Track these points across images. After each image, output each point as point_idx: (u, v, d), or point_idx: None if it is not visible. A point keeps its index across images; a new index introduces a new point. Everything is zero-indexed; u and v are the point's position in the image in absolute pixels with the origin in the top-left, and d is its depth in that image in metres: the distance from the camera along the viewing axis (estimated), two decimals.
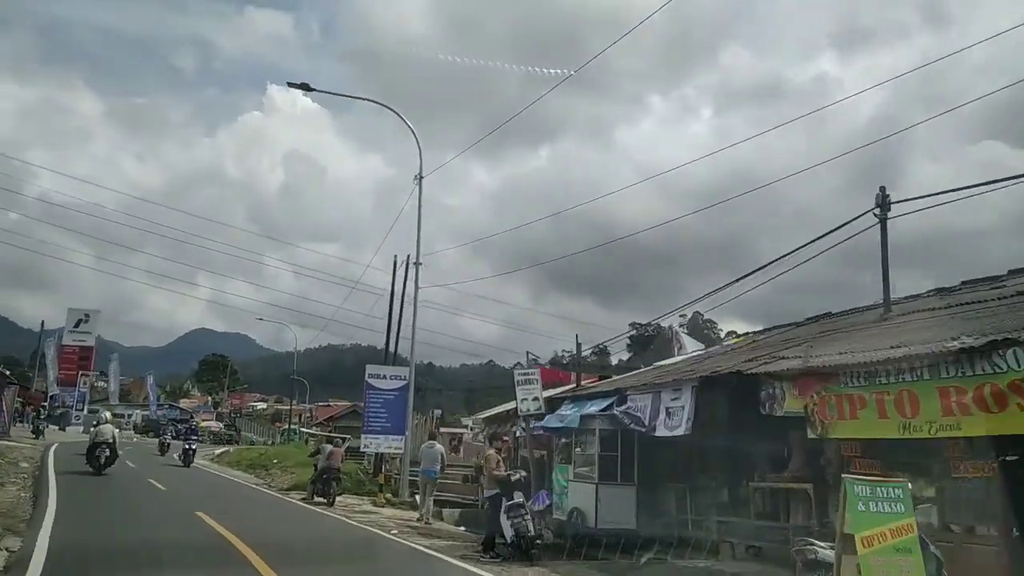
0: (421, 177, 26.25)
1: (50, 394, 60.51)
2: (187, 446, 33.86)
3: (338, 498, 23.18)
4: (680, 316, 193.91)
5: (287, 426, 79.11)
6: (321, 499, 23.03)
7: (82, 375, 61.54)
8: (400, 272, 30.52)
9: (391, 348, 30.94)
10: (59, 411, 59.18)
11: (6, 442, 36.02)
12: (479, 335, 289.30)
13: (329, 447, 25.07)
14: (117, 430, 27.79)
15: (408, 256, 27.32)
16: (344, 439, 31.48)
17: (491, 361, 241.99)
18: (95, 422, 29.07)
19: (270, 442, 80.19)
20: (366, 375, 26.29)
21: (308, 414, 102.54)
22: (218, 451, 50.57)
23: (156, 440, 58.43)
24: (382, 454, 27.76)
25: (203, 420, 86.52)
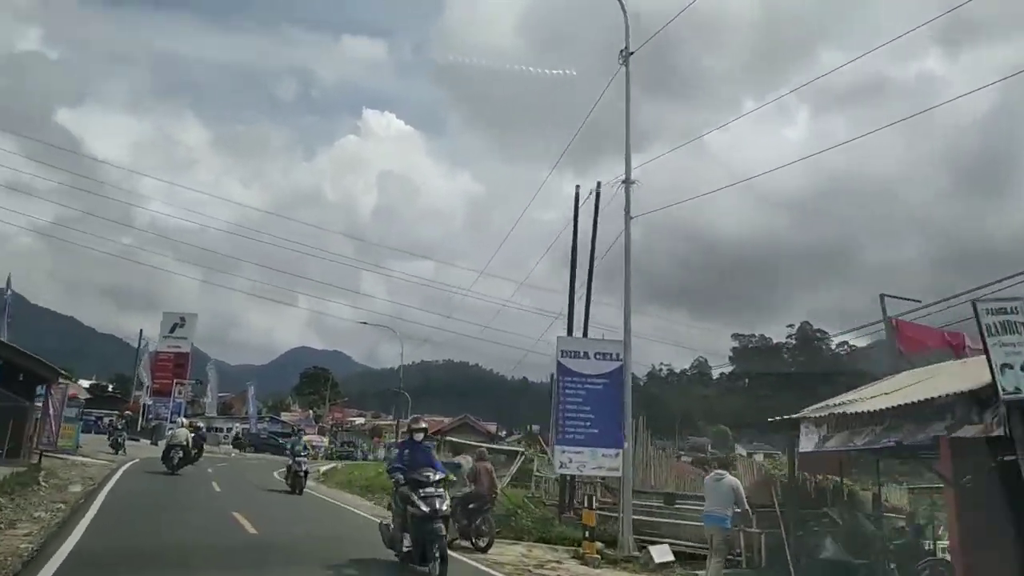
0: (628, 53, 16.96)
1: (142, 403, 53.70)
2: (298, 468, 24.47)
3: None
4: (787, 327, 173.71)
5: (392, 440, 71.21)
6: (465, 542, 14.29)
7: (177, 383, 54.61)
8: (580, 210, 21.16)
9: (577, 315, 20.96)
10: (152, 423, 52.39)
11: (74, 458, 28.42)
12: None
13: (469, 462, 16.03)
14: (192, 434, 28.78)
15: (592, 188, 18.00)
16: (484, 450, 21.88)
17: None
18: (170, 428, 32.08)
19: (372, 457, 72.37)
20: (558, 354, 16.74)
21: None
22: (325, 468, 42.13)
23: (256, 456, 51.07)
24: (571, 478, 18.40)
25: (306, 434, 79.35)
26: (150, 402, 53.47)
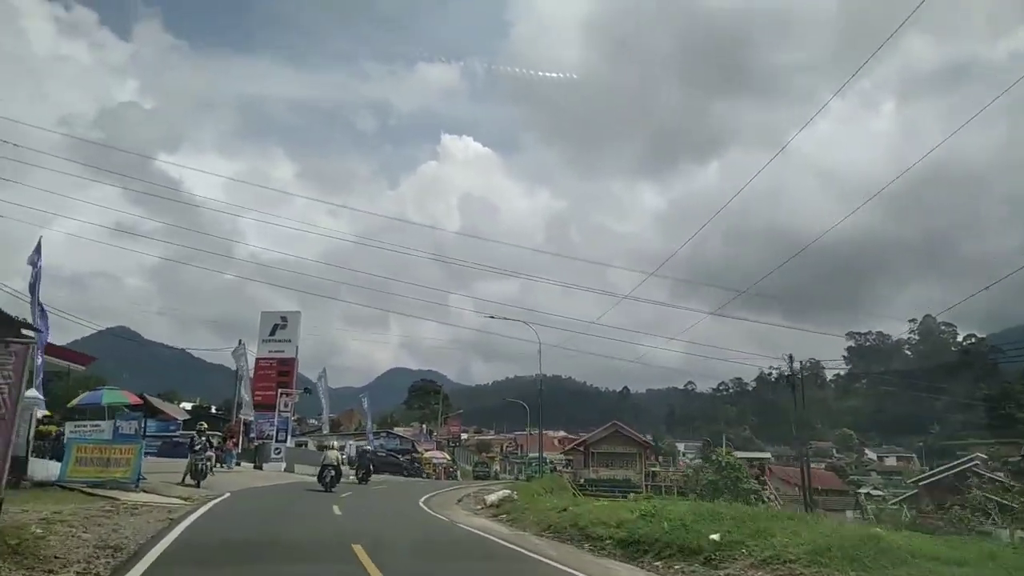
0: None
1: (242, 419, 42.65)
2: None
3: None
4: (910, 321, 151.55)
5: (529, 456, 59.24)
6: None
7: (283, 395, 43.60)
8: None
9: None
10: (255, 443, 41.46)
11: (128, 496, 17.00)
12: (661, 359, 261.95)
13: None
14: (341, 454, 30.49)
15: None
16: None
17: (690, 383, 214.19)
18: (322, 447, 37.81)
19: (516, 477, 60.37)
20: None
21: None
22: (493, 496, 29.27)
23: (378, 478, 39.76)
24: None
25: (424, 449, 67.98)
26: (251, 418, 42.49)
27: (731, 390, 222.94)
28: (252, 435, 42.68)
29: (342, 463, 28.75)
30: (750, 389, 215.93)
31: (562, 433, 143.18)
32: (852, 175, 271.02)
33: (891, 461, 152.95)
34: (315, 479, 28.63)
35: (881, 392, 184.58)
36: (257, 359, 45.56)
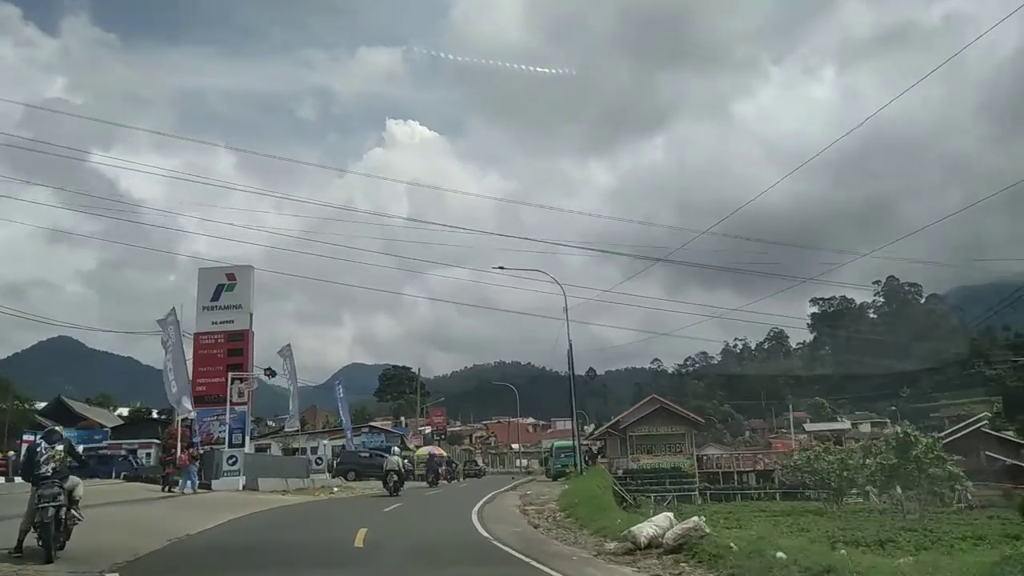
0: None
1: (178, 420, 28.55)
2: None
3: None
4: (873, 283, 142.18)
5: (556, 444, 46.65)
6: None
7: (236, 381, 29.91)
8: None
9: None
10: (199, 451, 27.42)
11: None
12: (614, 339, 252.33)
13: None
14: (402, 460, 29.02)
15: None
16: None
17: (656, 360, 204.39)
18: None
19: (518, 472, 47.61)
20: None
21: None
22: (654, 529, 15.90)
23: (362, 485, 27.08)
24: None
25: (416, 446, 54.71)
26: (192, 414, 28.65)
27: (697, 365, 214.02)
28: (195, 440, 28.89)
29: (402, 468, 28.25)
30: (715, 362, 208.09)
31: (531, 420, 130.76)
32: (796, 143, 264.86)
33: (865, 428, 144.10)
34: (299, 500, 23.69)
35: (849, 358, 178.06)
36: (196, 335, 31.69)
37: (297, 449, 43.34)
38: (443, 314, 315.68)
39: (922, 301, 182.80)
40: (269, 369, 30.35)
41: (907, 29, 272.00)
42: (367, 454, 44.32)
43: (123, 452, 44.49)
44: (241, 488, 26.08)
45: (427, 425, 69.80)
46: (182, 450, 25.46)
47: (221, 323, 31.79)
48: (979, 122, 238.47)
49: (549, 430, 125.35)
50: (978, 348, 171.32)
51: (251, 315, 31.98)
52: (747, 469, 41.79)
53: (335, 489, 30.77)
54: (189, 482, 24.12)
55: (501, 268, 37.81)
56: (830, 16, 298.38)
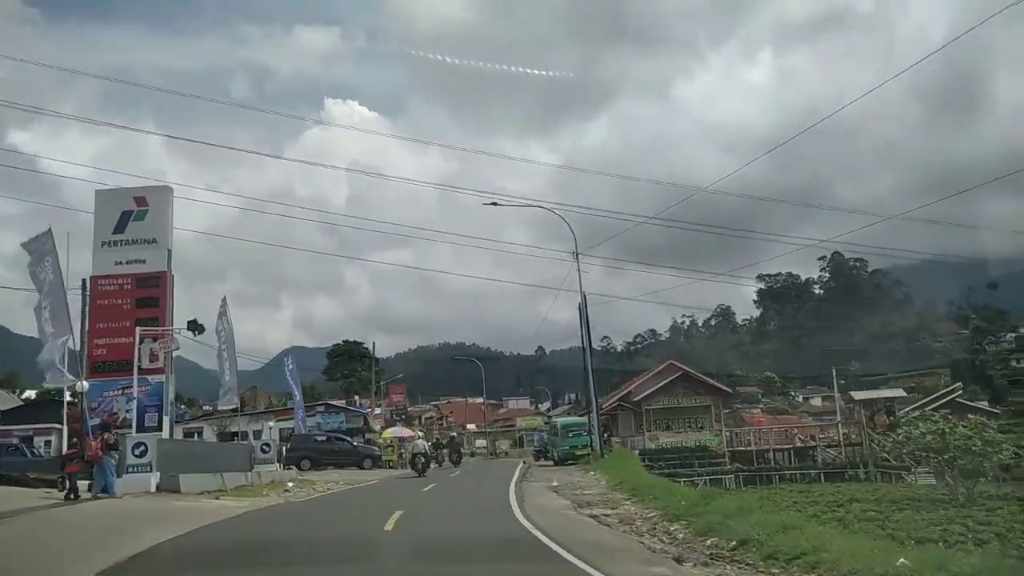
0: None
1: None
2: None
3: None
4: (819, 260, 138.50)
5: (559, 422, 38.75)
6: None
7: (145, 339, 21.12)
8: None
9: None
10: (111, 438, 18.41)
11: None
12: (559, 319, 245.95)
13: None
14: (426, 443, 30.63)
15: None
16: None
17: (606, 338, 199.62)
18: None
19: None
20: None
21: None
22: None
23: (327, 479, 18.62)
24: None
25: (382, 427, 46.22)
26: (82, 385, 19.84)
27: (646, 342, 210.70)
28: (93, 417, 20.13)
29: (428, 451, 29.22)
30: (664, 339, 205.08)
31: (480, 400, 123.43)
32: (735, 125, 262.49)
33: (816, 401, 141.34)
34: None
35: (796, 333, 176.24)
36: (93, 280, 22.65)
37: (236, 434, 34.60)
38: (386, 295, 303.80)
39: (867, 277, 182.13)
40: (194, 322, 21.49)
41: (842, 13, 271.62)
42: (324, 437, 35.90)
43: (14, 441, 34.96)
44: (154, 490, 17.47)
45: (385, 405, 61.24)
46: (94, 436, 16.97)
47: (128, 263, 22.73)
48: (910, 106, 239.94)
49: (502, 410, 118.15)
50: (924, 322, 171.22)
51: (169, 252, 23.04)
52: (783, 446, 34.97)
53: (289, 484, 22.31)
54: (106, 482, 15.79)
55: (494, 204, 29.77)
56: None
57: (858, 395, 35.98)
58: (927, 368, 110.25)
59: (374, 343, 59.95)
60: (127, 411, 20.89)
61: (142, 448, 17.97)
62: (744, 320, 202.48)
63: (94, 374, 21.69)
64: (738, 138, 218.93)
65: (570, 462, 29.61)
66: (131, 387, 20.69)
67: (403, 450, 39.75)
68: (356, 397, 63.68)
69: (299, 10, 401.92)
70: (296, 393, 36.93)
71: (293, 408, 38.05)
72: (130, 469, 17.67)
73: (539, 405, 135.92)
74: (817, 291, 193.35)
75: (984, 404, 63.23)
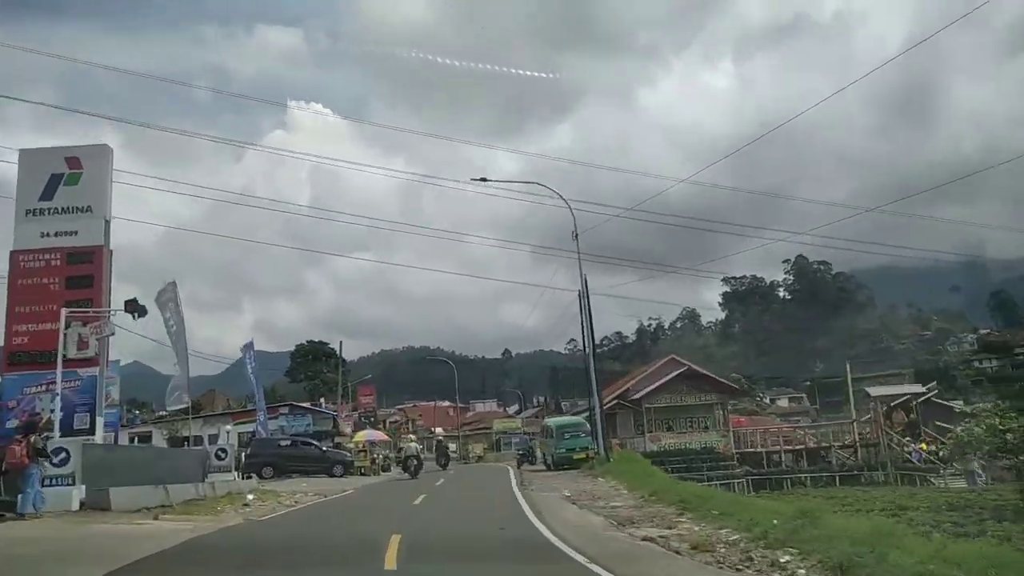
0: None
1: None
2: None
3: None
4: (783, 263, 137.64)
5: (552, 422, 35.50)
6: None
7: (72, 323, 17.39)
8: None
9: None
10: (39, 442, 14.62)
11: None
12: (524, 323, 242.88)
13: None
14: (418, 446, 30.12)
15: None
16: None
17: (571, 341, 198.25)
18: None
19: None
20: None
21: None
22: None
23: (295, 491, 14.69)
24: None
25: (351, 431, 42.45)
26: None
27: (613, 344, 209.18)
28: (8, 416, 16.40)
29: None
30: (630, 342, 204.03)
31: (446, 403, 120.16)
32: (696, 131, 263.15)
33: (783, 403, 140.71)
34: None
35: (762, 335, 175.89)
36: (13, 255, 18.78)
37: (187, 439, 30.66)
38: (348, 300, 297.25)
39: (830, 279, 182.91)
40: (133, 302, 17.68)
41: (799, 22, 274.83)
42: (288, 441, 32.09)
43: None
44: (76, 507, 13.80)
45: (350, 408, 57.35)
46: (17, 440, 13.32)
47: (56, 236, 18.98)
48: (867, 114, 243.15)
49: (469, 413, 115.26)
50: (887, 324, 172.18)
51: (107, 224, 19.30)
52: (795, 446, 32.17)
53: (249, 497, 18.70)
54: (32, 496, 12.20)
55: (483, 180, 26.51)
56: (727, 7, 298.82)
57: (875, 391, 33.26)
58: (892, 370, 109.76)
59: (341, 342, 55.79)
60: (51, 411, 17.11)
61: (63, 455, 14.29)
62: (709, 323, 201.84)
63: (12, 366, 17.88)
64: (700, 143, 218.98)
65: (566, 467, 26.42)
66: (55, 383, 16.89)
67: (376, 455, 36.17)
68: (322, 400, 59.61)
69: (258, 9, 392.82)
70: (256, 394, 33.01)
71: (254, 410, 34.15)
72: (47, 482, 13.95)
73: (507, 408, 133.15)
74: (782, 294, 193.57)
75: (959, 404, 62.07)
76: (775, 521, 9.60)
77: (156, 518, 13.20)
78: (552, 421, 31.43)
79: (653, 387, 32.39)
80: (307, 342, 75.11)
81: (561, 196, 26.46)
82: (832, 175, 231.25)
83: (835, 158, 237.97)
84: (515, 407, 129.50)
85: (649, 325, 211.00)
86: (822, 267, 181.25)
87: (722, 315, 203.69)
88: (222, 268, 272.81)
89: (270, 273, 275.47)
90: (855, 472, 29.53)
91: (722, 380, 36.00)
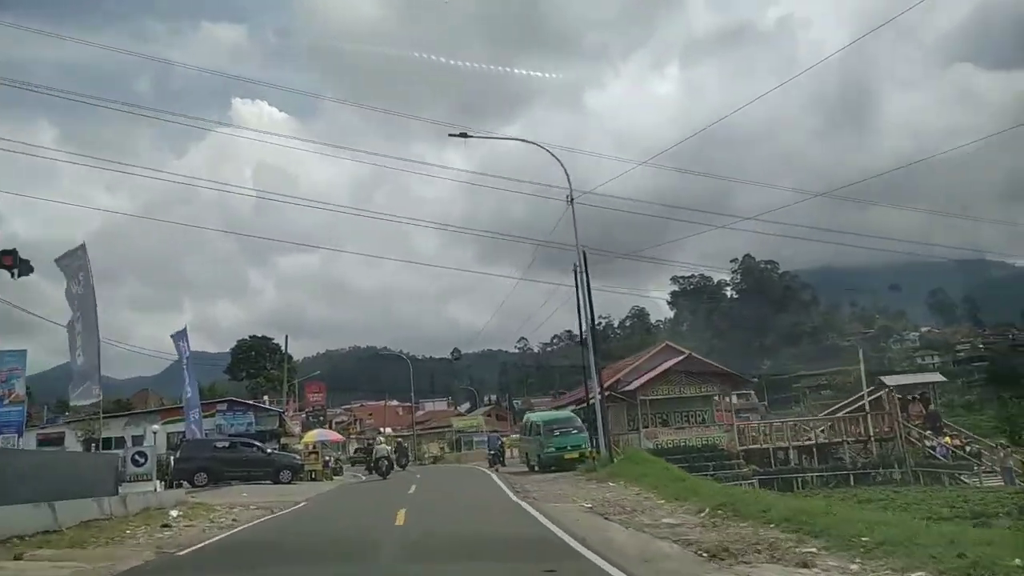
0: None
1: None
2: None
3: None
4: (731, 261, 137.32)
5: (534, 416, 31.26)
6: None
7: None
8: None
9: None
10: None
11: None
12: (472, 322, 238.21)
13: None
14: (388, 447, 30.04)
15: None
16: None
17: (522, 339, 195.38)
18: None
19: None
20: None
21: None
22: None
23: (233, 505, 10.32)
24: None
25: (302, 432, 37.69)
26: None
27: (563, 343, 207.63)
28: None
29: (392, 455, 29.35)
30: (578, 341, 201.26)
31: (395, 402, 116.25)
32: (644, 134, 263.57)
33: (733, 399, 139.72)
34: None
35: (710, 333, 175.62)
36: None
37: (97, 442, 25.47)
38: (292, 299, 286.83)
39: (777, 278, 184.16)
40: (12, 254, 12.93)
41: (744, 29, 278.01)
42: (226, 443, 27.34)
43: None
44: None
45: (295, 408, 52.41)
46: None
47: None
48: (808, 118, 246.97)
49: (419, 412, 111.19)
50: (830, 322, 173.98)
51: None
52: (803, 442, 28.82)
53: (172, 514, 14.26)
54: None
55: (464, 135, 22.38)
56: (676, 13, 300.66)
57: (890, 380, 30.20)
58: (837, 367, 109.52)
59: (286, 336, 50.36)
60: None
61: None
62: (658, 321, 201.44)
63: None
64: (649, 147, 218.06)
65: (554, 468, 22.51)
66: None
67: (328, 457, 31.71)
68: (265, 398, 54.38)
69: (203, 5, 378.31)
70: (189, 388, 28.07)
71: (186, 408, 29.18)
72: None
73: (458, 407, 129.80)
74: (729, 293, 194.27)
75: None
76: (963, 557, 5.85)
77: (18, 557, 8.73)
78: (537, 416, 27.43)
79: (648, 377, 28.68)
80: (249, 337, 69.35)
81: (553, 155, 22.61)
82: (775, 177, 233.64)
83: (778, 160, 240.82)
84: (466, 406, 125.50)
85: (599, 323, 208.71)
86: (768, 266, 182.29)
87: (671, 314, 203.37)
88: (161, 266, 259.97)
89: (212, 272, 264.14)
90: (869, 470, 26.44)
91: (725, 369, 32.60)
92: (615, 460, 19.43)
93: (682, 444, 27.03)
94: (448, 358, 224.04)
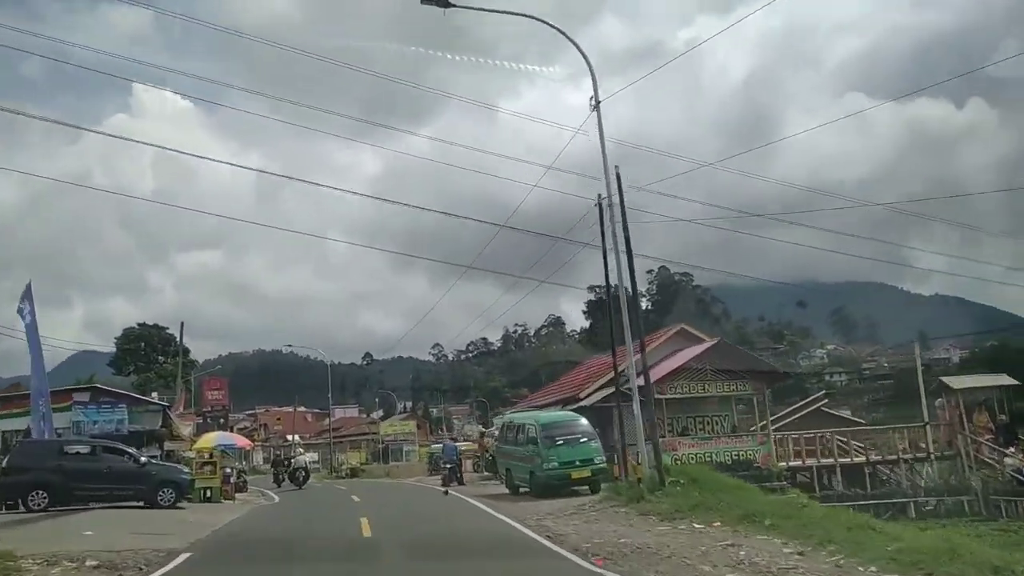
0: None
1: None
2: None
3: None
4: (647, 272, 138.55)
5: (517, 415, 23.57)
6: None
7: None
8: None
9: None
10: None
11: None
12: (381, 329, 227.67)
13: None
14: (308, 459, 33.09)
15: None
16: None
17: (436, 346, 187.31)
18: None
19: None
20: None
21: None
22: None
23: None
24: None
25: (193, 435, 28.85)
26: None
27: (478, 351, 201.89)
28: None
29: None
30: (495, 348, 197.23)
31: (303, 408, 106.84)
32: (555, 145, 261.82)
33: (766, 401, 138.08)
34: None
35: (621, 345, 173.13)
36: None
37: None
38: (192, 298, 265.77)
39: (691, 290, 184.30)
40: None
41: (654, 49, 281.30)
42: (84, 447, 18.60)
43: None
44: None
45: (183, 408, 43.01)
46: None
47: None
48: (713, 138, 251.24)
49: (330, 419, 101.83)
50: (742, 336, 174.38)
51: None
52: (852, 459, 22.27)
53: None
54: None
55: (443, 4, 15.10)
56: (591, 29, 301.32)
57: (953, 382, 24.04)
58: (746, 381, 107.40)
59: (182, 323, 40.94)
60: None
61: None
62: (573, 331, 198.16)
63: None
64: (559, 159, 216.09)
65: (550, 493, 15.22)
66: None
67: (230, 469, 23.31)
68: (155, 395, 44.44)
69: None
70: (35, 367, 19.09)
71: (28, 395, 20.15)
72: None
73: (370, 413, 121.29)
74: (644, 304, 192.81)
75: (847, 413, 57.76)
76: None
77: None
78: (525, 417, 19.74)
79: (666, 371, 21.38)
80: (138, 325, 58.44)
81: (563, 33, 15.77)
82: (682, 193, 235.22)
83: (684, 179, 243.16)
84: (378, 413, 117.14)
85: (515, 332, 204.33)
86: (684, 278, 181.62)
87: (587, 323, 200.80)
88: (50, 259, 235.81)
89: (106, 268, 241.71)
90: (932, 496, 20.42)
91: (764, 362, 25.76)
92: (666, 483, 12.46)
93: (710, 458, 20.03)
94: (357, 364, 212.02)
